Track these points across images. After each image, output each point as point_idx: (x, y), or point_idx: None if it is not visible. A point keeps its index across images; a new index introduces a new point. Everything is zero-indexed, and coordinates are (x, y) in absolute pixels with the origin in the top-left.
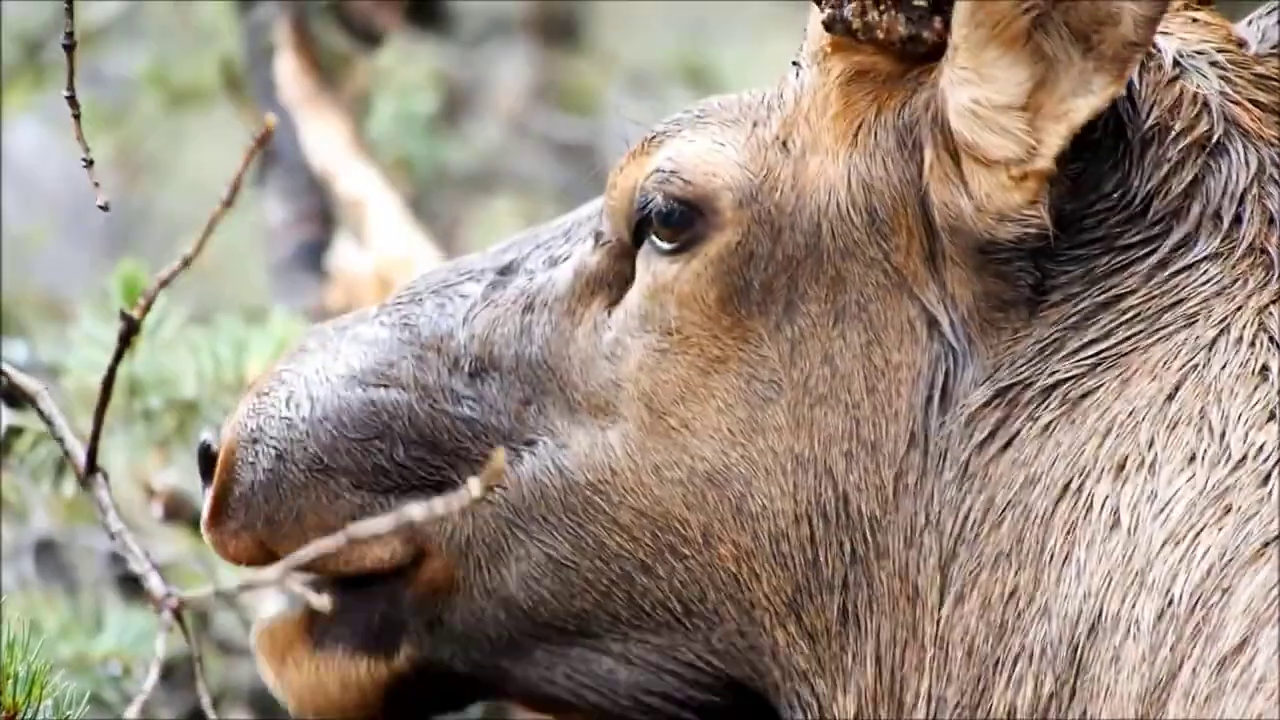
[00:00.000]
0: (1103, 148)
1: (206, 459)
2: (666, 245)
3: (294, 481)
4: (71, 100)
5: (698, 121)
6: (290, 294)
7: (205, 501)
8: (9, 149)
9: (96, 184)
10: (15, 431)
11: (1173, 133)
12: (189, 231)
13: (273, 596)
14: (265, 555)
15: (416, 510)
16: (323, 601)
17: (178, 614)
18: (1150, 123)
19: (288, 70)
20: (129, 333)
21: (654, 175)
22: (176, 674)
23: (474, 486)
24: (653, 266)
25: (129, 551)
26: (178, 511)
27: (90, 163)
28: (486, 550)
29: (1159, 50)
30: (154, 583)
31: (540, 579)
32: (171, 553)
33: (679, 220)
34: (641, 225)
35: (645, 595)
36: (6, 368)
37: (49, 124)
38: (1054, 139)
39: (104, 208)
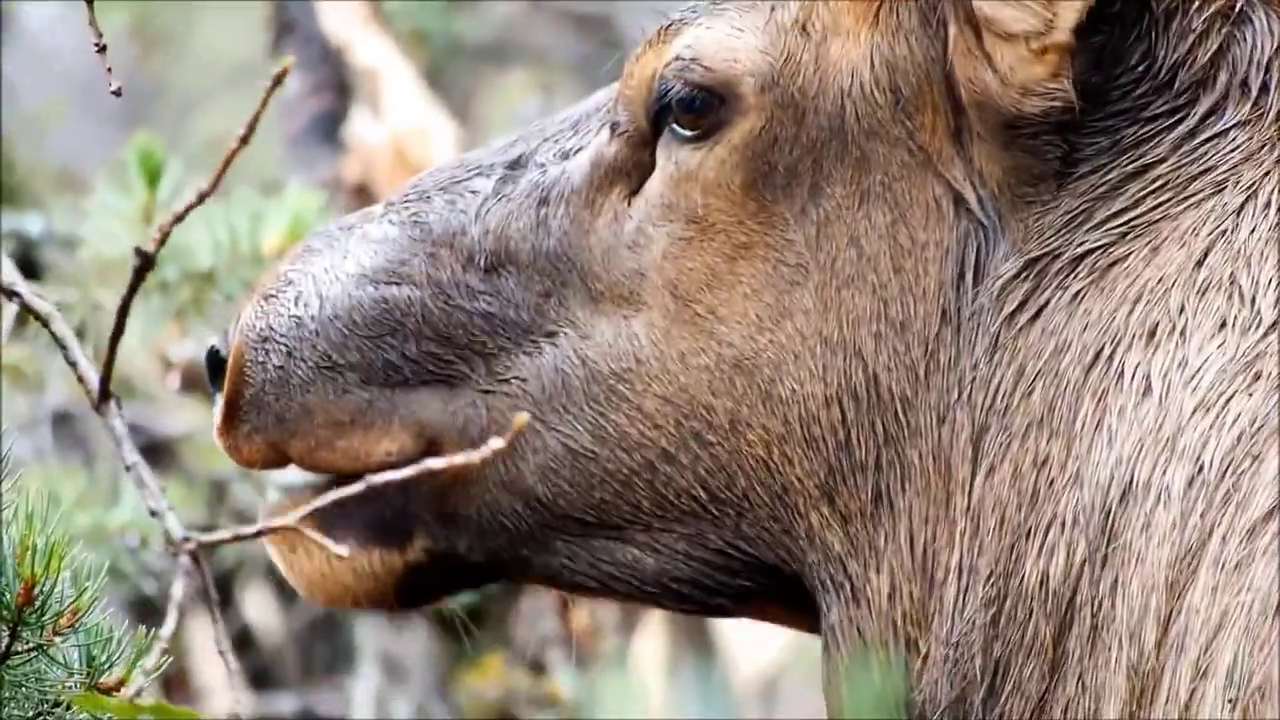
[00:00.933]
0: (1126, 20)
1: (215, 364)
2: (688, 133)
3: (303, 378)
4: None
5: (714, 8)
6: (306, 166)
7: (217, 407)
8: (24, 22)
9: (109, 69)
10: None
11: (1196, 3)
12: (203, 105)
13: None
14: (277, 457)
15: (436, 462)
16: (342, 549)
17: (194, 556)
18: None
19: None
20: (144, 268)
21: (673, 63)
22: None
23: (496, 442)
24: (675, 155)
25: (144, 487)
26: (195, 383)
27: (103, 48)
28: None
29: None
30: (171, 524)
31: (559, 470)
32: (188, 424)
33: (701, 107)
34: (661, 114)
35: (669, 484)
36: (21, 288)
37: None
38: (1069, 12)
39: (117, 93)
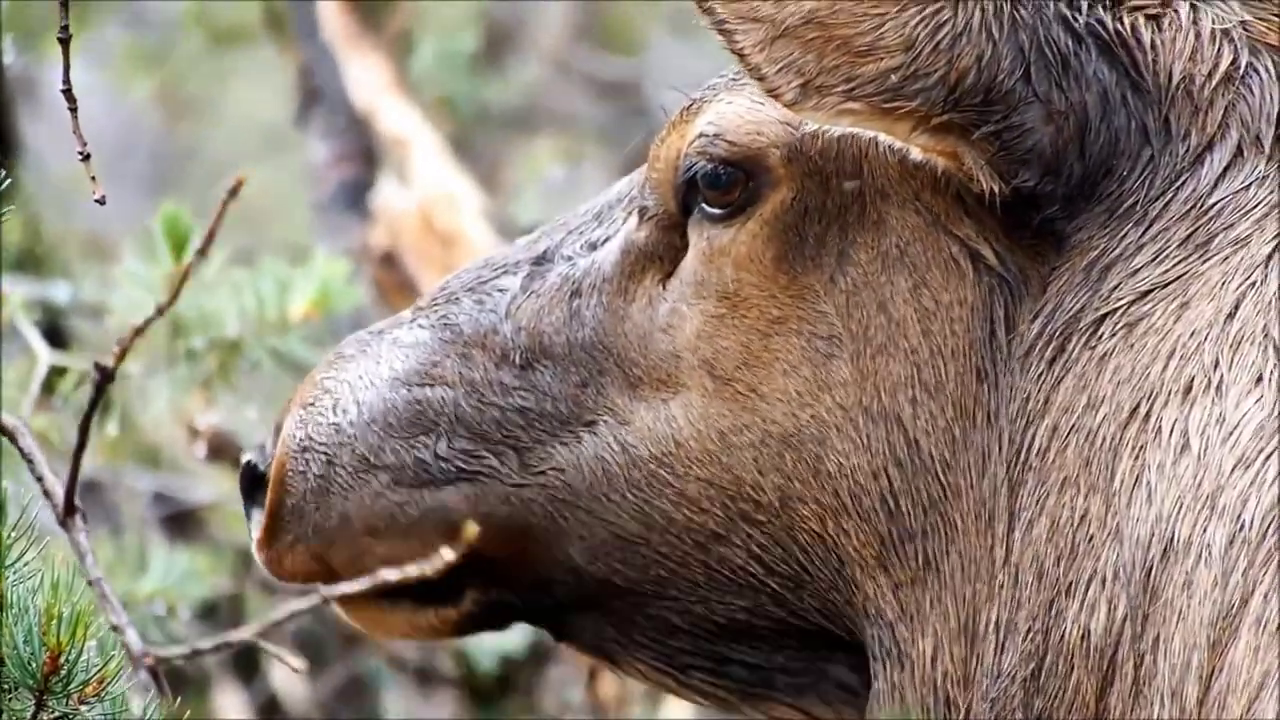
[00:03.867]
0: (1113, 106)
1: (251, 479)
2: (718, 210)
3: (343, 484)
4: (68, 94)
5: (734, 83)
6: (333, 233)
7: (257, 522)
8: (50, 89)
9: (94, 176)
10: (59, 371)
11: (1199, 80)
12: (233, 171)
13: None
14: (321, 569)
15: (389, 574)
16: (298, 664)
17: (154, 671)
18: (1177, 79)
19: (330, 9)
20: (103, 382)
21: (697, 141)
22: (220, 612)
23: (447, 553)
24: (706, 233)
25: (106, 602)
26: (221, 451)
27: (87, 156)
28: (547, 533)
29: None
30: (130, 639)
31: (610, 555)
32: (215, 492)
33: (728, 183)
34: (689, 193)
35: (723, 563)
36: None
37: (92, 63)
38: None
39: (100, 201)
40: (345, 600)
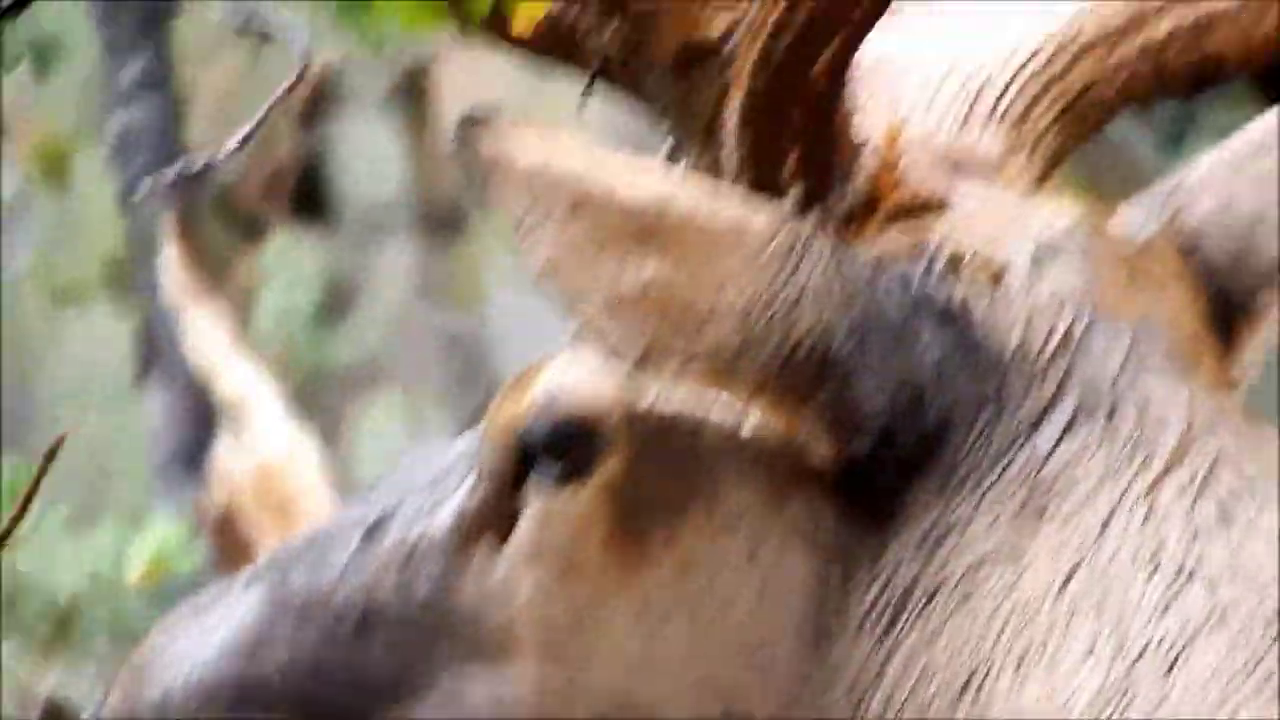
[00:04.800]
0: (948, 375)
1: None
2: (553, 475)
3: None
4: None
5: (575, 345)
6: (171, 494)
7: None
8: None
9: None
10: None
11: (1035, 346)
12: (70, 427)
13: None
14: None
15: None
16: None
17: None
18: (1012, 346)
19: (172, 264)
20: None
21: (535, 403)
22: None
23: None
24: (542, 497)
25: None
26: (58, 718)
27: None
28: None
29: (1011, 263)
30: None
31: None
32: None
33: (563, 446)
34: (525, 458)
35: None
36: None
37: None
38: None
39: None
40: None
